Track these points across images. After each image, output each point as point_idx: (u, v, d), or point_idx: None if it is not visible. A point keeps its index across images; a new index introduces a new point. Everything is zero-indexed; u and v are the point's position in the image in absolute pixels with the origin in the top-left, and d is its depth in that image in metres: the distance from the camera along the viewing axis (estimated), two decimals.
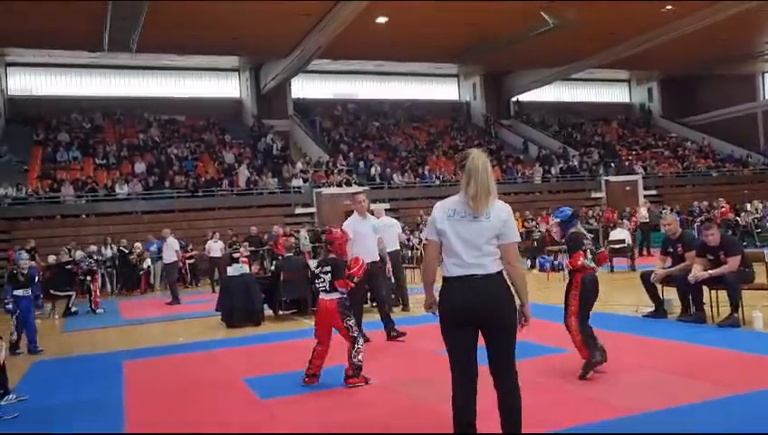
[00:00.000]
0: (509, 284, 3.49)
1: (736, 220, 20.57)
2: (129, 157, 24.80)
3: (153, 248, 17.92)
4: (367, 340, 7.44)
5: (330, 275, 5.71)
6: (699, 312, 7.58)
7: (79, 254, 16.71)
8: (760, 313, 7.11)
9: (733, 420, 4.15)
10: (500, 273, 3.45)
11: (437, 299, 3.54)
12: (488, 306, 3.41)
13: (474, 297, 3.39)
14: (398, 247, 10.27)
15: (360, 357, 5.63)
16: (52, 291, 13.22)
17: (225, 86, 31.89)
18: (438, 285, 3.62)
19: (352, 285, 5.83)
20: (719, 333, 6.88)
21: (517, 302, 3.50)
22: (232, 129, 29.21)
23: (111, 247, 18.65)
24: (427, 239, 3.65)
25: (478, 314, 3.41)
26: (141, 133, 27.04)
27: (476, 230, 3.43)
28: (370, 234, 7.75)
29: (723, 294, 7.44)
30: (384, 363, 6.58)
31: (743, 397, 4.61)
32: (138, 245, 18.21)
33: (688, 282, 7.50)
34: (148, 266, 18.10)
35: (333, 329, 5.75)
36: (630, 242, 15.77)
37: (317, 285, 5.86)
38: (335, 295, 5.68)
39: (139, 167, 23.81)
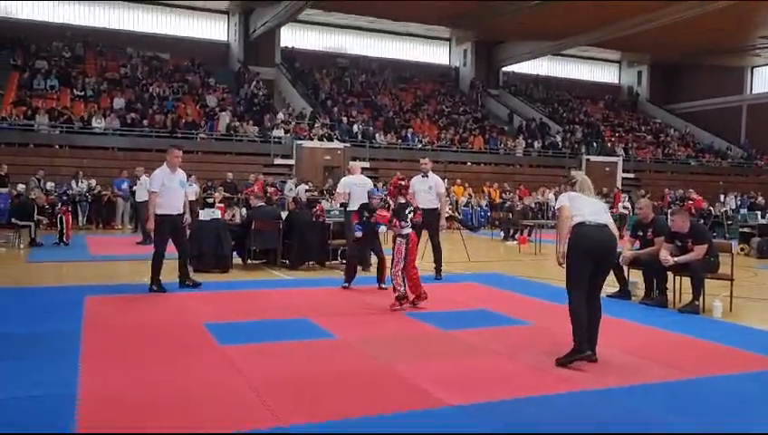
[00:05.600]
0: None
1: (710, 210, 20.83)
2: (109, 91, 24.24)
3: (124, 187, 17.70)
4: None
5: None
6: (662, 296, 7.69)
7: (49, 185, 16.45)
8: (720, 302, 7.24)
9: (679, 403, 4.22)
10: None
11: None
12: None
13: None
14: None
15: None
16: (13, 220, 13.00)
17: (214, 28, 31.19)
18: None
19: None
20: (679, 319, 6.98)
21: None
22: (216, 72, 28.65)
23: (83, 181, 18.36)
24: (563, 206, 5.27)
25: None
26: (123, 68, 26.41)
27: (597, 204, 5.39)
28: (178, 188, 8.05)
29: (686, 281, 7.55)
30: (346, 320, 6.59)
31: (693, 381, 4.69)
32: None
33: (654, 266, 7.60)
34: None
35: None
36: None
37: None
38: None
39: (118, 102, 23.31)
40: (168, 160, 8.10)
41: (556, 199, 5.75)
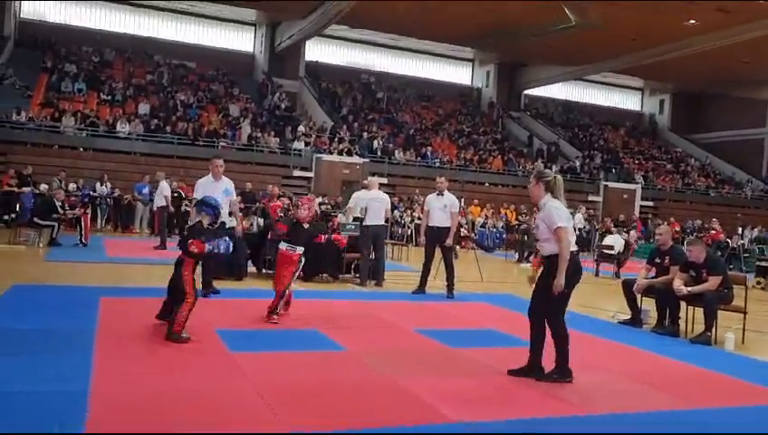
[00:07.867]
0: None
1: (727, 242, 20.65)
2: (135, 96, 24.66)
3: (145, 191, 17.93)
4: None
5: None
6: (674, 325, 7.64)
7: (71, 186, 16.68)
8: (732, 334, 7.18)
9: (682, 432, 4.21)
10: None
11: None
12: None
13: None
14: (383, 222, 10.36)
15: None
16: (35, 219, 13.21)
17: (240, 39, 31.67)
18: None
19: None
20: (689, 349, 6.94)
21: None
22: (241, 83, 29.03)
23: (107, 184, 18.63)
24: (565, 229, 5.10)
25: None
26: (150, 74, 26.85)
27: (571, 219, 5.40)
28: (220, 196, 8.06)
29: (699, 311, 7.50)
30: (355, 333, 6.64)
31: (698, 412, 4.68)
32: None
33: (667, 294, 7.56)
34: None
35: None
36: (621, 250, 15.73)
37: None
38: None
39: (143, 108, 23.68)
40: (211, 170, 8.39)
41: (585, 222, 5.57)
